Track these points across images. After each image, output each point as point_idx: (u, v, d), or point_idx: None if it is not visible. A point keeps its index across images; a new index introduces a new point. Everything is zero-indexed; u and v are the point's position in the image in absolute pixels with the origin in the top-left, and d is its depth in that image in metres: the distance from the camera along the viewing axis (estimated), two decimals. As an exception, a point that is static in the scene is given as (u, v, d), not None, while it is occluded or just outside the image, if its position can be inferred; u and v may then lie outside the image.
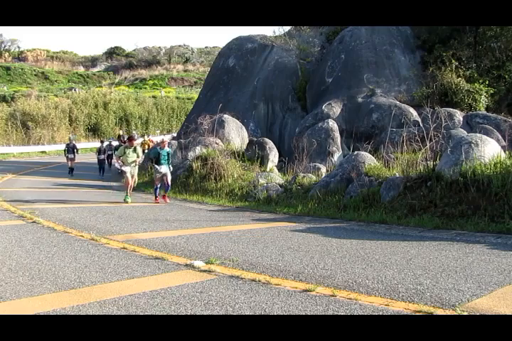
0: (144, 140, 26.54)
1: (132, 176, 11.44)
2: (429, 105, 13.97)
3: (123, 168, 11.30)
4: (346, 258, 5.15)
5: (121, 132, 31.49)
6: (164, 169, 11.42)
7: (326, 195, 9.78)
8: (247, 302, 3.61)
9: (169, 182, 11.66)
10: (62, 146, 38.35)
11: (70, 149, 19.67)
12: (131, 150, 11.33)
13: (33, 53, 67.65)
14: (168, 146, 12.22)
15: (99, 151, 20.42)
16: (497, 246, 5.79)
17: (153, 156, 11.70)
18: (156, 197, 11.53)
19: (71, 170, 19.58)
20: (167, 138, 21.49)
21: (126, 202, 10.96)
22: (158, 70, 63.64)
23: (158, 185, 11.55)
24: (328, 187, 10.04)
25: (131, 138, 11.86)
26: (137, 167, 11.74)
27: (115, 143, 21.57)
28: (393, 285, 4.04)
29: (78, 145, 22.49)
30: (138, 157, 11.51)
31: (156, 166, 11.38)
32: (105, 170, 20.42)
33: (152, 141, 28.19)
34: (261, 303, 3.58)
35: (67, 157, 19.72)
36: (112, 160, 20.29)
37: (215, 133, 15.67)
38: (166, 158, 11.45)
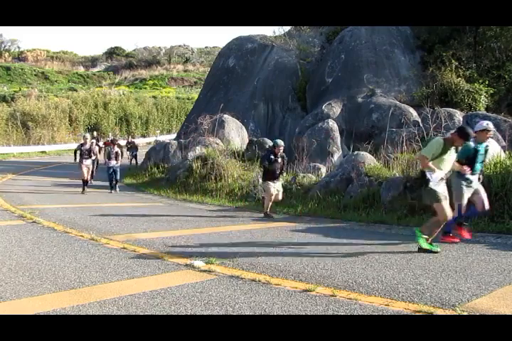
0: (108, 140, 22.79)
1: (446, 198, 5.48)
2: (429, 105, 13.96)
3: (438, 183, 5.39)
4: (346, 258, 5.15)
5: (95, 134, 27.61)
6: (476, 184, 6.14)
7: (326, 194, 9.79)
8: (247, 302, 3.61)
9: (486, 203, 6.09)
10: (63, 146, 38.04)
11: (86, 153, 13.09)
12: (452, 150, 5.48)
13: (33, 53, 67.61)
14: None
15: (110, 156, 13.67)
16: (497, 246, 5.79)
17: (465, 157, 6.01)
18: (448, 233, 6.11)
19: (86, 183, 13.09)
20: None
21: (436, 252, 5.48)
22: (158, 70, 63.59)
23: (461, 214, 6.07)
24: (328, 187, 10.05)
25: (467, 133, 5.40)
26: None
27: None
28: (393, 285, 4.04)
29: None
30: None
31: (462, 181, 6.01)
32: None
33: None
34: (261, 303, 3.58)
35: (80, 164, 13.04)
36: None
37: (215, 133, 15.69)
38: (483, 159, 6.30)
